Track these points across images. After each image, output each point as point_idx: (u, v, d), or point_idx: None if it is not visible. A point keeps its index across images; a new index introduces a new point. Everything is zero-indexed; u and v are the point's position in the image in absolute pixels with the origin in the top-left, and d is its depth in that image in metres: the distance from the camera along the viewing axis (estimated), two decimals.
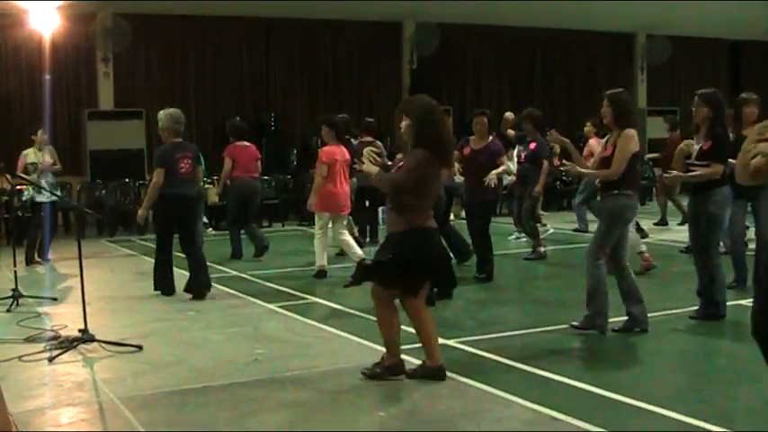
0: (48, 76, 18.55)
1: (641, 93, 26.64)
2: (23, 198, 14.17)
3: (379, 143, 13.85)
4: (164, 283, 10.61)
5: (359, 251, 11.59)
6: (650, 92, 26.68)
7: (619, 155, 7.92)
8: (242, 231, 13.85)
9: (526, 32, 24.72)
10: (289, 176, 20.45)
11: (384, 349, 6.91)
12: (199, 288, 10.45)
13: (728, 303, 8.76)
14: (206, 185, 15.71)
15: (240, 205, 13.76)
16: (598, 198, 9.06)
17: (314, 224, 12.46)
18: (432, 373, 6.67)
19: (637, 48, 26.63)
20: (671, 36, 25.64)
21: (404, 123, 6.70)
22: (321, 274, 11.67)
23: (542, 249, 13.05)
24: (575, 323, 8.13)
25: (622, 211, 8.07)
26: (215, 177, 16.74)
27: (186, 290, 10.49)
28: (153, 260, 10.91)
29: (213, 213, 17.74)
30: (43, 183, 12.86)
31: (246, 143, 14.11)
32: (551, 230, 16.17)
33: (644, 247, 11.62)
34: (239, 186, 13.78)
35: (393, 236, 6.71)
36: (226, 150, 13.94)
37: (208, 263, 10.75)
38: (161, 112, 10.73)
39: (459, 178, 12.23)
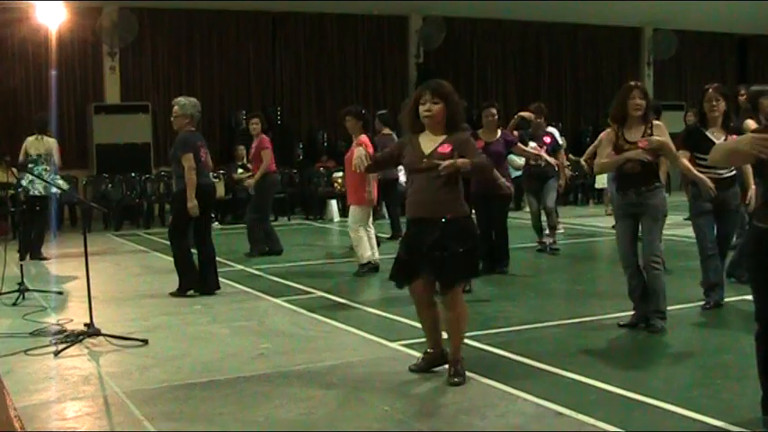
0: (54, 71, 18.58)
1: (648, 88, 26.57)
2: (18, 191, 14.00)
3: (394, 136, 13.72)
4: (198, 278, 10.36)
5: (369, 252, 11.46)
6: (657, 87, 26.63)
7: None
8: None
9: (533, 27, 24.76)
10: (295, 170, 20.46)
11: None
12: (211, 285, 10.32)
13: (735, 299, 8.86)
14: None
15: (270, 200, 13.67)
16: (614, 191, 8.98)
17: (320, 218, 12.52)
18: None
19: (644, 42, 26.59)
20: (678, 30, 25.62)
21: (437, 106, 6.61)
22: (375, 268, 11.40)
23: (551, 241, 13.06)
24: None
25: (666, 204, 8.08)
26: (221, 171, 16.81)
27: (196, 289, 10.29)
28: (159, 255, 10.90)
29: (218, 207, 17.75)
30: (45, 176, 12.84)
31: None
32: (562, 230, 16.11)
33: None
34: (273, 181, 13.69)
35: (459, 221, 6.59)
36: (264, 141, 13.44)
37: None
38: (181, 98, 10.41)
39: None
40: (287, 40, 22.26)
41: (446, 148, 6.47)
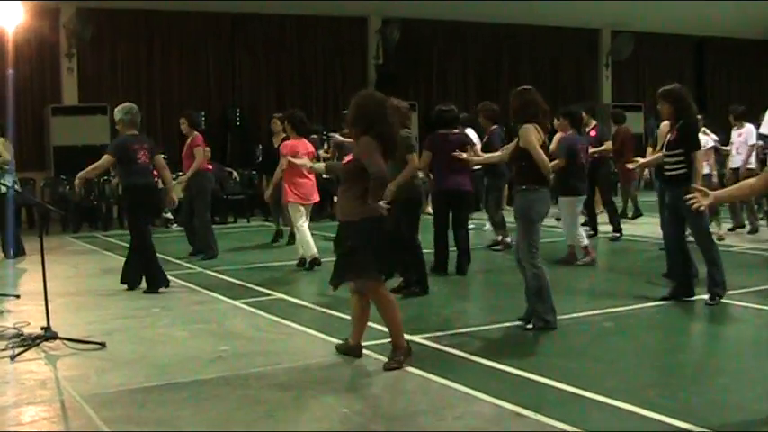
0: (11, 71, 18.41)
1: (606, 89, 26.82)
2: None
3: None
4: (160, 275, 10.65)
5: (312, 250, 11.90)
6: (615, 88, 26.83)
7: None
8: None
9: (492, 28, 24.88)
10: (254, 172, 20.33)
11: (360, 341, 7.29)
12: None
13: (688, 299, 9.12)
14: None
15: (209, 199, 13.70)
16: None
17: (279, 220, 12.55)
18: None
19: (602, 44, 26.76)
20: (636, 32, 25.82)
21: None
22: (315, 262, 11.88)
23: (509, 240, 13.10)
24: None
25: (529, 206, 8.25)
26: (180, 174, 16.70)
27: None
28: (117, 256, 10.84)
29: (177, 209, 17.62)
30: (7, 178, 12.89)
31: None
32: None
33: (587, 242, 12.17)
34: (210, 180, 13.76)
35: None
36: (198, 139, 13.48)
37: (171, 258, 10.69)
38: (118, 106, 10.82)
39: None
40: (246, 41, 22.23)
41: (349, 157, 6.96)
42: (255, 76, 22.39)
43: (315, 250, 11.88)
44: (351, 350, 7.28)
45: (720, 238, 13.36)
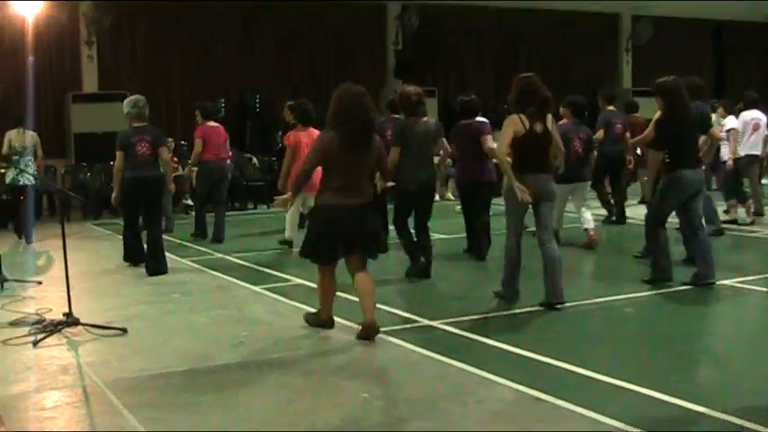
0: (31, 59, 18.48)
1: (626, 74, 26.70)
2: (6, 182, 14.40)
3: None
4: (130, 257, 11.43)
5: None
6: (635, 73, 26.71)
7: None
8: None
9: (511, 13, 24.74)
10: (273, 158, 20.32)
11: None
12: (154, 267, 10.92)
13: (719, 283, 9.21)
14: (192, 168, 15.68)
15: (209, 188, 13.89)
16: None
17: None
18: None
19: (622, 29, 26.64)
20: (656, 17, 25.68)
21: None
22: (288, 244, 12.39)
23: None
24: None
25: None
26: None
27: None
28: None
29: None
30: (30, 167, 13.16)
31: (215, 124, 14.09)
32: None
33: (592, 225, 12.36)
34: (210, 170, 13.83)
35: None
36: (196, 131, 13.89)
37: (193, 246, 10.73)
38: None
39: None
40: (265, 27, 22.17)
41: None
42: (274, 63, 22.34)
43: (290, 234, 12.44)
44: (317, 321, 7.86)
45: (751, 223, 13.72)
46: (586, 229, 12.16)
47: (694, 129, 9.49)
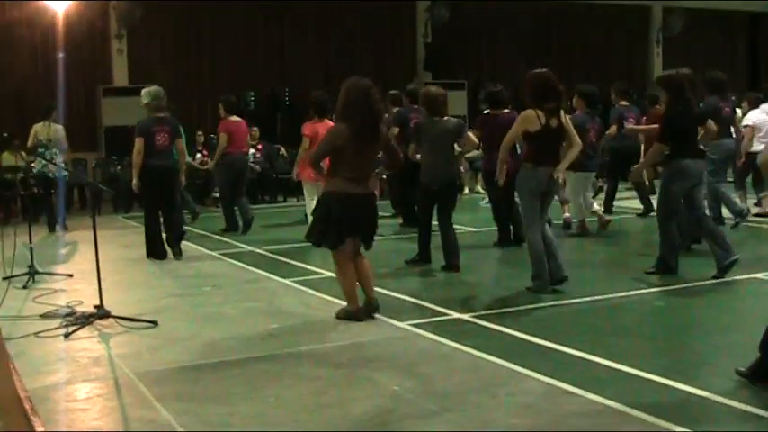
0: (61, 54, 18.57)
1: (657, 66, 26.52)
2: (33, 173, 14.68)
3: None
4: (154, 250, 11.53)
5: None
6: (666, 65, 26.51)
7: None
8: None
9: (541, 5, 24.61)
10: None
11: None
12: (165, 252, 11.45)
13: (746, 276, 9.14)
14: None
15: (232, 181, 13.91)
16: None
17: None
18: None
19: (653, 21, 26.47)
20: (687, 9, 25.51)
21: None
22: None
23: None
24: None
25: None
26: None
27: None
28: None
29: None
30: (57, 159, 13.31)
31: (237, 118, 14.24)
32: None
33: (596, 207, 12.81)
34: (233, 162, 13.90)
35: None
36: (220, 125, 14.05)
37: (223, 239, 10.76)
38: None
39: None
40: (295, 20, 22.19)
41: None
42: (304, 55, 22.33)
43: None
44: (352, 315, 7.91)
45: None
46: (594, 212, 12.64)
47: (697, 123, 9.49)
